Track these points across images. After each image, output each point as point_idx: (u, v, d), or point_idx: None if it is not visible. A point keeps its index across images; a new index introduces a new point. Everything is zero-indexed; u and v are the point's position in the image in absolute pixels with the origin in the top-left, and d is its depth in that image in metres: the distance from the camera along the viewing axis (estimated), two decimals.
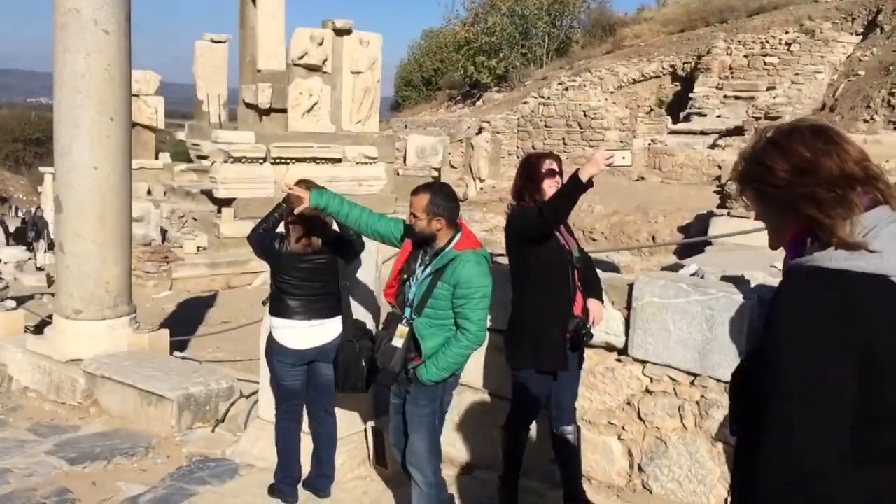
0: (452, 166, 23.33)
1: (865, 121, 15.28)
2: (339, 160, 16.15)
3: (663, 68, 23.59)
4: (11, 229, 20.67)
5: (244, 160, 15.13)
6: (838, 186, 1.51)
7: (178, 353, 7.10)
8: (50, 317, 9.22)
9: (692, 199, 11.28)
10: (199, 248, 14.74)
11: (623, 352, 3.87)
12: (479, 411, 4.37)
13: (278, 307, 4.12)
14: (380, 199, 16.90)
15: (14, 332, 7.78)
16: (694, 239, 7.21)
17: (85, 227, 6.38)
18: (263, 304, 4.38)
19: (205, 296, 12.84)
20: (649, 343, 3.73)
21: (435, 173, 18.90)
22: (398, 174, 18.17)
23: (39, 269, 17.23)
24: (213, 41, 20.03)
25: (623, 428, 3.89)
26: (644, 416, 3.79)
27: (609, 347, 3.88)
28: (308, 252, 4.07)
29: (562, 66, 28.79)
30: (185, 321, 10.06)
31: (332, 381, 4.14)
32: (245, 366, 7.58)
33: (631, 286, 3.80)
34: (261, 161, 15.31)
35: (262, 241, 4.17)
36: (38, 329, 8.45)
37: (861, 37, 19.78)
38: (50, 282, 15.59)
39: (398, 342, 3.56)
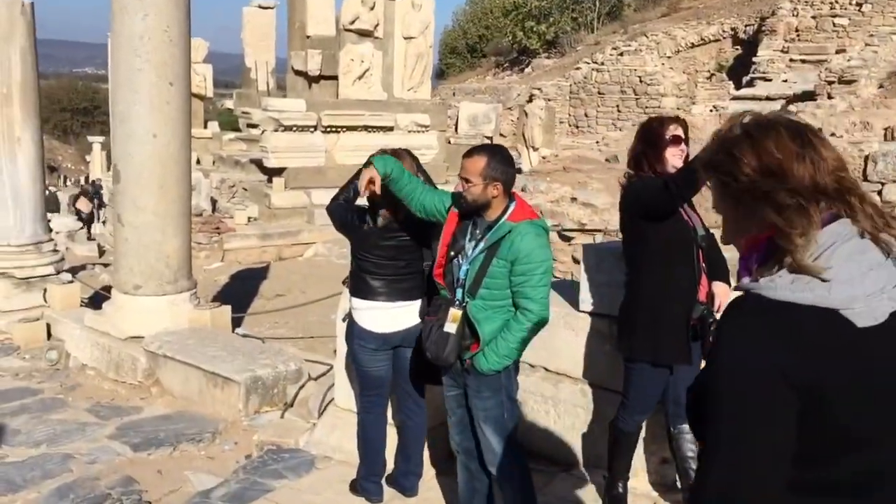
0: (502, 135, 22.77)
1: None
2: (391, 128, 15.76)
3: (723, 31, 22.65)
4: (70, 198, 20.72)
5: (295, 129, 14.82)
6: (802, 196, 1.40)
7: (239, 331, 6.81)
8: (105, 289, 9.04)
9: None
10: (249, 218, 14.52)
11: None
12: (578, 403, 3.97)
13: (359, 287, 3.75)
14: (431, 168, 16.41)
15: (70, 306, 7.57)
16: None
17: (144, 197, 6.07)
18: (343, 283, 4.01)
19: (257, 267, 12.61)
20: None
21: (487, 142, 18.44)
22: (450, 143, 17.74)
23: (91, 238, 17.22)
24: (261, 7, 19.71)
25: None
26: None
27: None
28: (393, 227, 3.68)
29: (615, 31, 27.91)
30: (238, 293, 9.81)
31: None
32: (308, 345, 7.28)
33: None
34: (311, 129, 14.98)
35: (343, 214, 3.79)
36: (93, 301, 8.25)
37: None
38: (101, 252, 15.54)
39: (451, 328, 3.15)
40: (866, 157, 7.53)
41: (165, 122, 6.05)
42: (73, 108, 47.73)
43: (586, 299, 3.87)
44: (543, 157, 15.15)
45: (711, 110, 17.47)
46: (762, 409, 1.35)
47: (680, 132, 3.36)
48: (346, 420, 4.27)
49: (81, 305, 7.63)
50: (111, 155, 6.41)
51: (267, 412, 5.14)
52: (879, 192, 7.42)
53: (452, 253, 3.25)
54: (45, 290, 7.77)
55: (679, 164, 3.33)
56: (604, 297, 3.79)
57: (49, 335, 7.39)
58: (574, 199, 9.21)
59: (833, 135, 10.00)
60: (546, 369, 4.05)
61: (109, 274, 12.45)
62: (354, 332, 3.77)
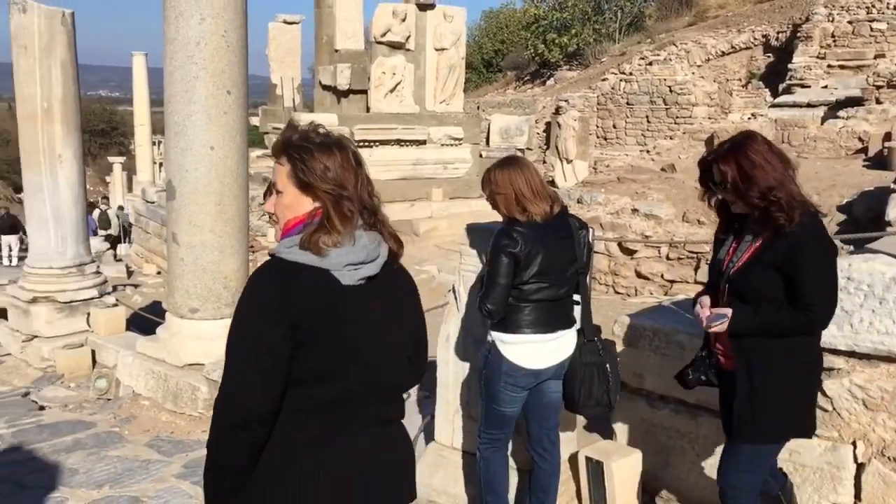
0: (529, 148, 22.34)
1: None
2: (423, 142, 15.36)
3: (755, 39, 22.16)
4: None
5: None
6: (350, 201, 1.90)
7: None
8: (144, 310, 8.64)
9: (843, 174, 10.11)
10: None
11: None
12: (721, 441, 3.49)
13: (511, 318, 3.21)
14: (464, 182, 16.07)
15: (115, 331, 7.18)
16: None
17: (201, 214, 5.67)
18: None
19: None
20: None
21: (520, 154, 18.05)
22: (481, 156, 17.31)
23: (118, 259, 16.90)
24: (286, 22, 19.36)
25: None
26: None
27: None
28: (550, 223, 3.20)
29: (640, 41, 27.49)
30: None
31: (559, 400, 3.34)
32: None
33: None
34: None
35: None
36: (132, 324, 7.84)
37: None
38: (129, 273, 15.19)
39: None
40: None
41: (223, 133, 5.66)
42: (90, 129, 47.75)
43: None
44: (594, 168, 14.70)
45: (749, 118, 17.01)
46: (264, 330, 1.81)
47: None
48: (450, 460, 3.83)
49: (128, 330, 7.24)
50: (165, 170, 6.02)
51: None
52: None
53: None
54: (88, 315, 7.37)
55: None
56: None
57: (94, 362, 7.00)
58: (635, 211, 8.76)
59: None
60: (683, 401, 3.60)
61: (142, 296, 12.09)
62: (503, 369, 3.23)
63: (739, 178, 2.64)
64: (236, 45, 5.67)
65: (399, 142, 15.05)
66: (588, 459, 3.60)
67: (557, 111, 23.35)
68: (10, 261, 18.90)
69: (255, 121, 21.12)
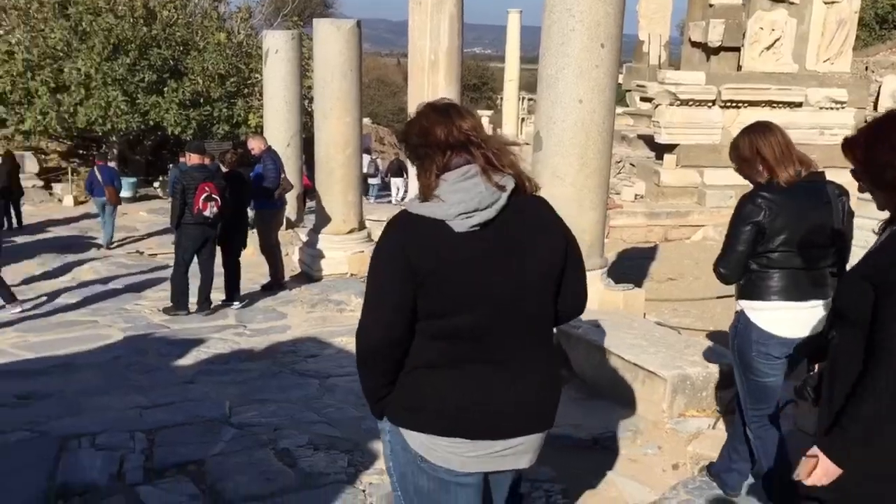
0: None
1: None
2: (799, 104, 14.13)
3: None
4: None
5: (691, 103, 13.89)
6: (432, 148, 2.15)
7: (651, 318, 6.26)
8: None
9: None
10: (636, 195, 13.99)
11: None
12: None
13: (757, 284, 3.13)
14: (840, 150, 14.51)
15: None
16: None
17: (564, 166, 5.75)
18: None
19: (644, 247, 12.06)
20: None
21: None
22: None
23: None
24: None
25: None
26: None
27: None
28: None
29: None
30: (626, 273, 9.28)
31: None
32: (724, 340, 6.52)
33: None
34: (709, 104, 13.94)
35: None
36: None
37: None
38: None
39: None
40: None
41: (592, 87, 5.66)
42: (464, 83, 51.32)
43: None
44: None
45: None
46: (388, 277, 2.14)
47: None
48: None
49: None
50: (535, 122, 6.19)
51: (694, 417, 4.51)
52: None
53: None
54: None
55: None
56: None
57: None
58: None
59: None
60: None
61: None
62: (753, 337, 3.14)
63: (867, 164, 2.26)
64: None
65: (771, 103, 14.01)
66: None
67: None
68: (397, 200, 21.20)
69: (619, 78, 21.08)
